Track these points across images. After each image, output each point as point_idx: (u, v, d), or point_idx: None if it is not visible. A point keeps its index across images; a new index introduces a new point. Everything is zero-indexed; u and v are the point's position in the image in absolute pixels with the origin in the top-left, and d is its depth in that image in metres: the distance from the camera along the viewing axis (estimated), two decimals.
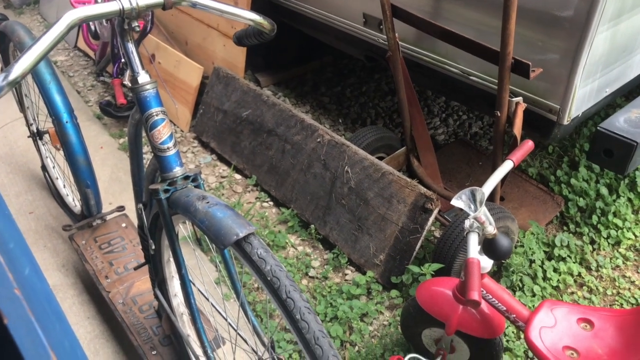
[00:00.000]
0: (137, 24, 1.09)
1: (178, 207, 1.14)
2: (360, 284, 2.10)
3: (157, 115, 1.15)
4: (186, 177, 1.19)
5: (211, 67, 3.04)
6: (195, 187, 1.21)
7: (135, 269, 1.73)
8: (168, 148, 1.17)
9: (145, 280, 1.99)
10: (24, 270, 0.72)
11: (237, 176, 2.75)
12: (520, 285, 2.06)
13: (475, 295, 1.22)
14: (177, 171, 1.18)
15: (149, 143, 1.18)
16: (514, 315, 1.51)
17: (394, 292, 2.08)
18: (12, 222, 0.83)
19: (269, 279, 0.99)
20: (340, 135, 2.99)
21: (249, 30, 1.34)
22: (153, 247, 1.39)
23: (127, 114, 3.13)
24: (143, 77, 1.14)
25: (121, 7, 1.05)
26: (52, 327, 0.68)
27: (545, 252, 2.21)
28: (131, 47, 1.13)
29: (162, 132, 1.15)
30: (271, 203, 2.60)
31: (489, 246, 1.36)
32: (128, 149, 1.46)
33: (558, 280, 2.11)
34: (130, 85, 1.13)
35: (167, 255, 1.48)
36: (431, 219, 2.03)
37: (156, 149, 1.17)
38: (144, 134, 1.38)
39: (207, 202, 1.09)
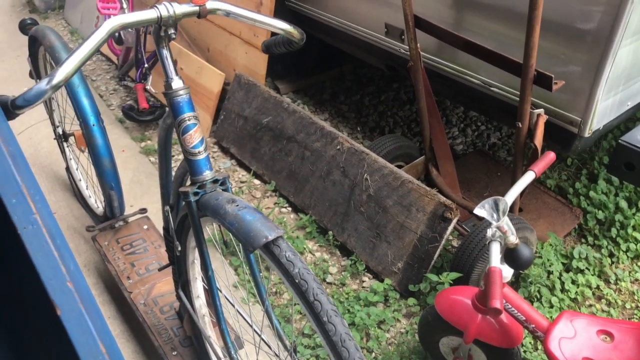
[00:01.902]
0: (173, 31, 1.13)
1: (207, 209, 1.17)
2: (378, 291, 2.12)
3: (189, 120, 1.18)
4: (215, 181, 1.22)
5: (232, 73, 3.08)
6: (224, 190, 1.24)
7: (160, 270, 1.76)
8: (199, 152, 1.20)
9: (166, 282, 2.02)
10: (70, 266, 0.76)
11: (256, 181, 2.79)
12: (538, 296, 2.06)
13: (497, 304, 1.23)
14: (207, 175, 1.21)
15: (181, 147, 1.21)
16: (533, 326, 1.52)
17: (411, 300, 2.09)
18: (54, 219, 0.87)
19: (296, 281, 1.01)
20: (358, 143, 3.02)
21: (278, 38, 1.37)
22: (179, 248, 1.42)
23: (149, 118, 3.19)
24: (177, 83, 1.17)
25: (159, 15, 1.08)
26: (96, 319, 0.71)
27: (563, 263, 2.21)
28: (166, 53, 1.17)
29: (194, 136, 1.19)
30: (289, 209, 2.63)
31: (510, 256, 1.37)
32: (157, 152, 1.49)
33: (576, 292, 2.11)
34: (164, 90, 1.16)
35: (192, 257, 1.51)
36: (450, 228, 2.04)
37: (187, 153, 1.20)
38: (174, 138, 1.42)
39: (237, 205, 1.11)
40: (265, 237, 1.03)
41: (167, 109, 3.04)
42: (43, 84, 0.96)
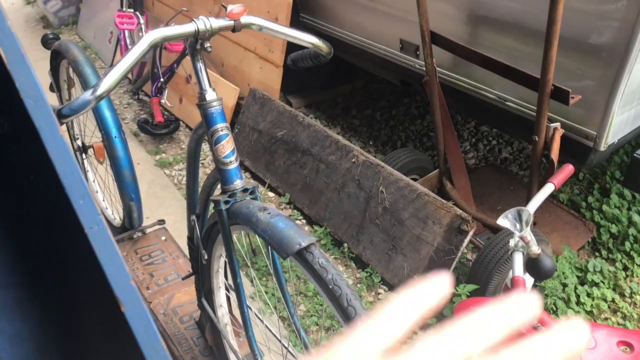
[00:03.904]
0: (209, 45, 1.17)
1: (239, 217, 1.20)
2: None
3: (222, 131, 1.21)
4: (245, 190, 1.25)
5: (247, 88, 3.13)
6: (253, 199, 1.26)
7: (183, 279, 1.78)
8: (230, 162, 1.23)
9: (185, 292, 2.04)
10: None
11: (271, 194, 2.81)
12: (554, 309, 2.08)
13: None
14: (238, 184, 1.24)
15: (213, 156, 1.24)
16: None
17: None
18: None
19: (330, 287, 1.04)
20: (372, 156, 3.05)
21: (305, 53, 1.41)
22: (206, 257, 1.45)
23: (164, 132, 3.23)
24: (210, 95, 1.21)
25: (197, 29, 1.12)
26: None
27: (578, 277, 2.22)
28: (201, 65, 1.20)
29: (226, 146, 1.22)
30: (304, 221, 2.65)
31: (533, 265, 1.40)
32: (186, 163, 1.53)
33: (592, 305, 2.12)
34: (197, 101, 1.20)
35: (217, 266, 1.53)
36: (466, 240, 2.06)
37: (219, 162, 1.23)
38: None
39: (269, 213, 1.14)
40: (298, 243, 1.05)
41: (179, 121, 3.05)
42: (88, 94, 1.00)
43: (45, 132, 0.65)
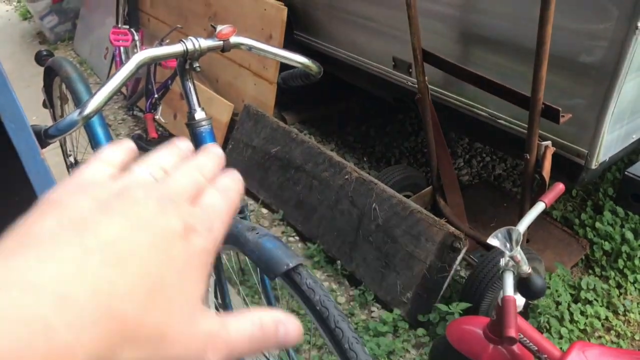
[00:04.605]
0: (197, 65, 1.17)
1: (227, 237, 1.19)
2: (387, 321, 2.12)
3: None
4: None
5: (241, 104, 3.13)
6: (242, 218, 1.26)
7: None
8: None
9: None
10: None
11: (264, 210, 2.81)
12: (548, 327, 2.07)
13: (512, 332, 1.24)
14: None
15: None
16: (546, 356, 1.52)
17: (420, 331, 2.09)
18: None
19: (317, 308, 1.03)
20: (365, 173, 3.05)
21: (295, 72, 1.42)
22: None
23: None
24: (199, 114, 1.21)
25: (185, 49, 1.13)
26: None
27: (571, 294, 2.21)
28: (190, 85, 1.21)
29: None
30: (297, 238, 2.64)
31: (523, 285, 1.39)
32: None
33: (585, 323, 2.11)
34: (186, 120, 1.20)
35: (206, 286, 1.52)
36: (459, 258, 2.05)
37: None
38: None
39: (257, 233, 1.14)
40: (286, 264, 1.05)
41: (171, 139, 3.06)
42: (75, 115, 1.00)
43: (26, 156, 0.65)
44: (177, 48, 1.13)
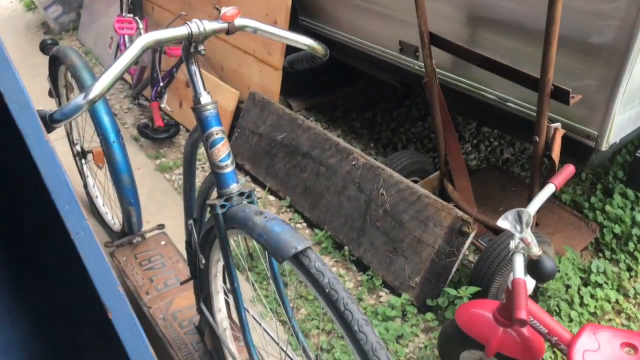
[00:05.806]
0: (202, 48, 1.16)
1: (235, 221, 1.19)
2: (396, 306, 2.12)
3: (217, 134, 1.20)
4: (241, 194, 1.24)
5: (246, 91, 3.12)
6: (249, 203, 1.25)
7: (182, 283, 1.77)
8: (226, 165, 1.22)
9: (184, 297, 2.03)
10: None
11: (271, 197, 2.80)
12: (557, 310, 2.06)
13: (523, 314, 1.24)
14: (234, 187, 1.23)
15: (208, 160, 1.23)
16: (556, 338, 1.52)
17: (429, 315, 2.09)
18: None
19: (327, 291, 1.02)
20: (372, 159, 3.04)
21: (301, 55, 1.40)
22: (203, 261, 1.44)
23: (164, 136, 3.23)
24: (205, 98, 1.20)
25: (190, 32, 1.11)
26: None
27: (581, 278, 2.20)
28: (195, 69, 1.19)
29: (221, 150, 1.21)
30: (305, 224, 2.64)
31: (533, 267, 1.38)
32: (182, 167, 1.52)
33: (595, 306, 2.10)
34: (192, 104, 1.19)
35: (215, 270, 1.52)
36: (468, 242, 2.04)
37: (215, 166, 1.22)
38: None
39: (265, 217, 1.13)
40: (294, 247, 1.04)
41: (176, 126, 3.04)
42: (80, 99, 0.99)
43: (31, 137, 0.64)
44: (182, 31, 1.11)
